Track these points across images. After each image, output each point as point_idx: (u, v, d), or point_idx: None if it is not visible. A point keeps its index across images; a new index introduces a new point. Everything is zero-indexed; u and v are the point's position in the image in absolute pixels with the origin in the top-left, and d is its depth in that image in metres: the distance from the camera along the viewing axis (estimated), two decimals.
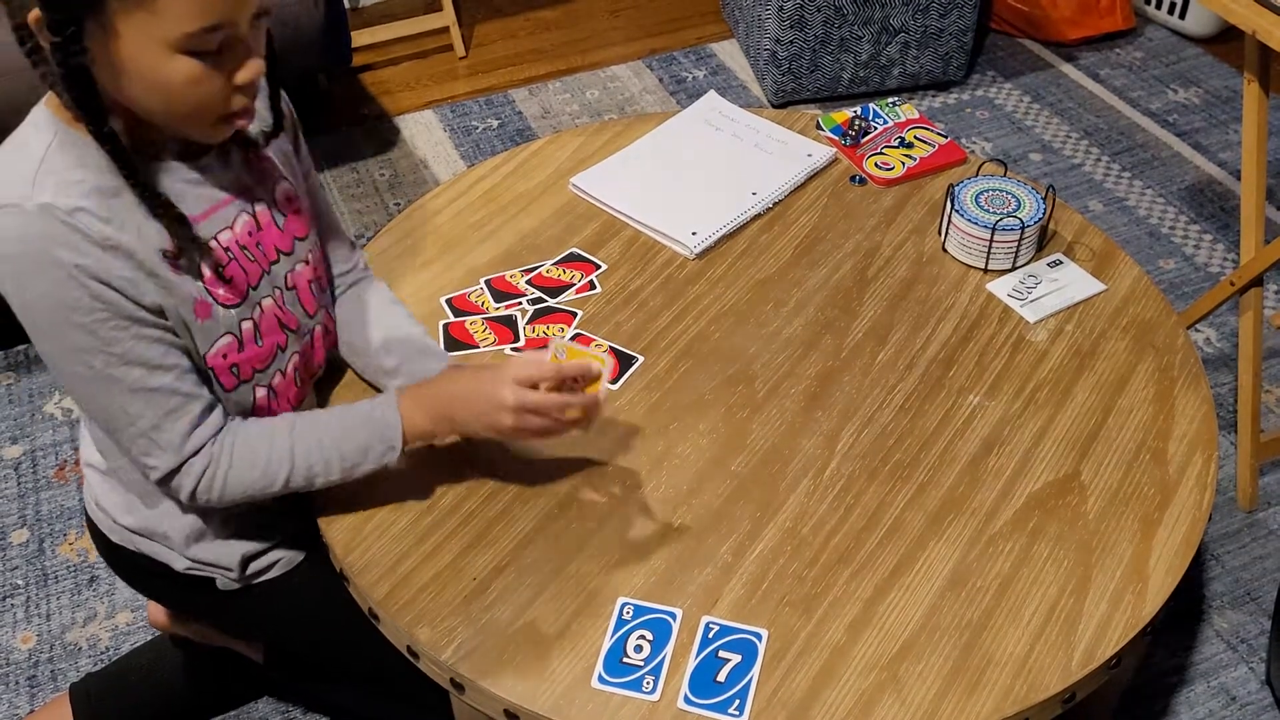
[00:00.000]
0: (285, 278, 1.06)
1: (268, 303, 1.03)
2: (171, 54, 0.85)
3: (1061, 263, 1.37)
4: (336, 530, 1.08)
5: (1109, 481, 1.13)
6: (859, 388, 1.22)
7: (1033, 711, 0.96)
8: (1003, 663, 0.98)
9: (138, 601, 1.60)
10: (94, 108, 0.86)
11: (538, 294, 1.33)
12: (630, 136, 1.56)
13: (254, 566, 1.13)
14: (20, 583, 1.63)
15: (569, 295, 1.33)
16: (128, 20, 0.83)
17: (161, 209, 0.92)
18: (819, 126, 1.58)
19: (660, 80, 2.63)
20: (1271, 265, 1.59)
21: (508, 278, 1.35)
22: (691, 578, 1.04)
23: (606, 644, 0.99)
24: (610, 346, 1.26)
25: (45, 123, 0.91)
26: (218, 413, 1.00)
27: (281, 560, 1.15)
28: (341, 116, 2.55)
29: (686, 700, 0.95)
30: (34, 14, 0.83)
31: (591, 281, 1.35)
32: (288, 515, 1.13)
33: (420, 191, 2.30)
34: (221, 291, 0.98)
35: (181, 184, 0.96)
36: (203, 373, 0.99)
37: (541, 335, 1.27)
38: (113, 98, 0.88)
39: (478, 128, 2.50)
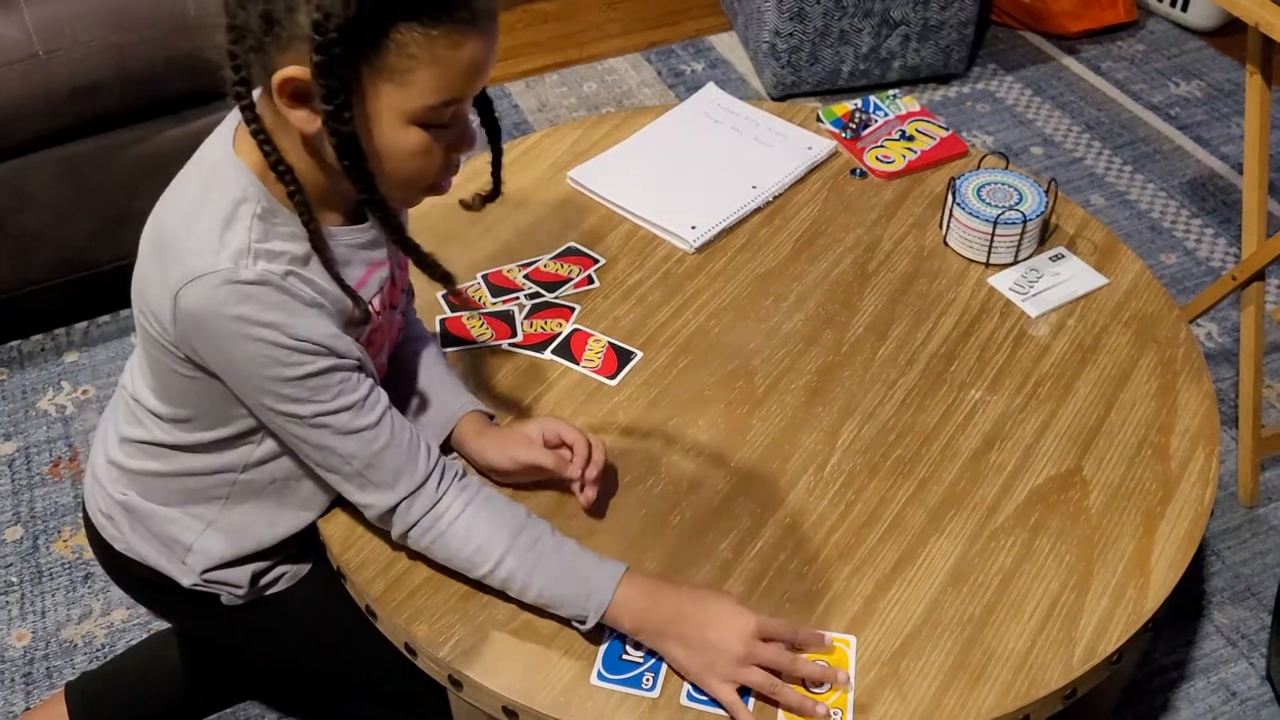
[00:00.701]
0: (392, 328, 1.08)
1: (381, 358, 1.06)
2: (407, 125, 0.87)
3: (1063, 257, 1.36)
4: (334, 527, 1.08)
5: (1111, 476, 1.12)
6: (860, 383, 1.21)
7: (1034, 707, 0.96)
8: (1004, 658, 0.97)
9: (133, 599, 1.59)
10: (364, 174, 0.86)
11: (535, 289, 1.32)
12: (629, 129, 1.55)
13: (262, 581, 1.12)
14: (14, 580, 1.62)
15: (566, 290, 1.32)
16: (378, 90, 0.84)
17: (342, 285, 0.93)
18: (819, 119, 1.57)
19: (659, 73, 2.62)
20: (1273, 260, 1.58)
21: (505, 272, 1.34)
22: (691, 574, 1.03)
23: (606, 641, 0.98)
24: (609, 342, 1.25)
25: (247, 185, 0.90)
26: (425, 450, 0.99)
27: (288, 574, 1.13)
28: None
29: (689, 697, 0.94)
30: (286, 74, 0.83)
31: (590, 276, 1.34)
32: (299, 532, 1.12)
33: None
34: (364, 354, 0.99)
35: (345, 249, 0.96)
36: None
37: (540, 331, 1.27)
38: (302, 161, 0.90)
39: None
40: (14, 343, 1.97)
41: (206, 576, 1.09)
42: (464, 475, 1.02)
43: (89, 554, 1.65)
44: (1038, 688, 0.96)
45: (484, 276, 1.33)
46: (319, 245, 0.91)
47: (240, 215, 0.89)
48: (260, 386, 0.92)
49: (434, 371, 1.14)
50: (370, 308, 0.98)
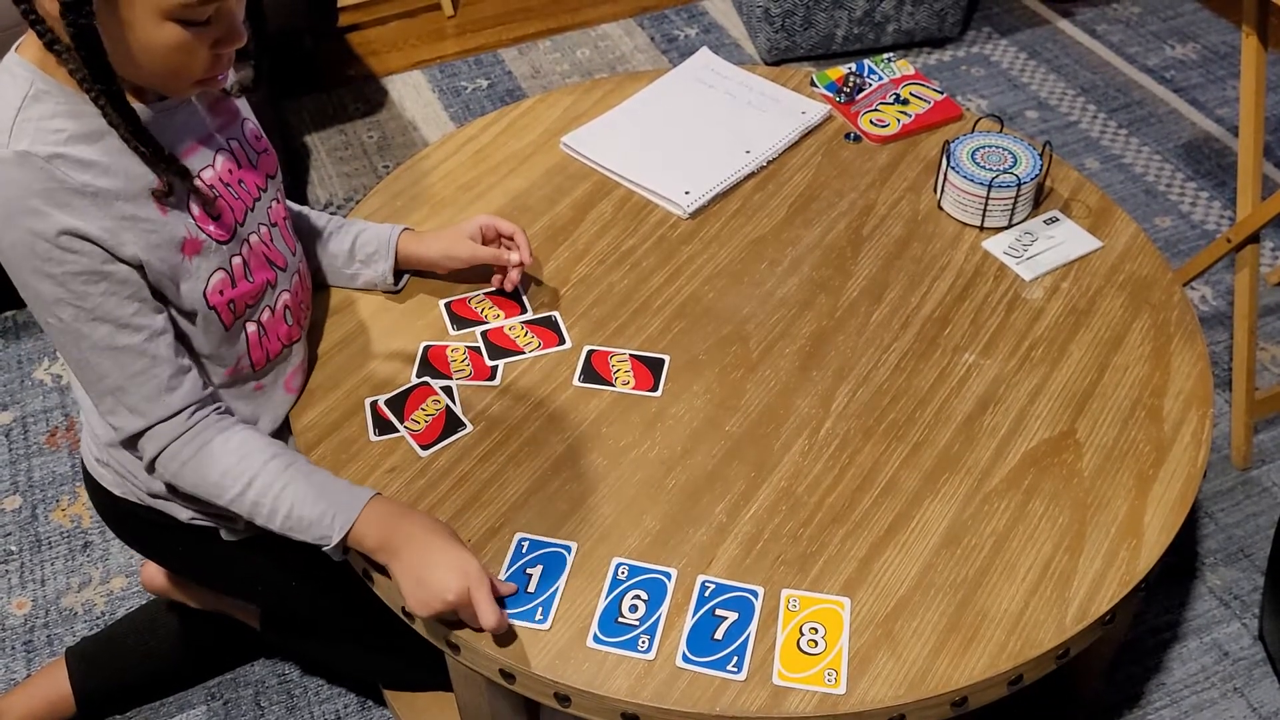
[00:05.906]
0: (268, 214, 1.08)
1: (255, 239, 1.05)
2: (161, 21, 0.87)
3: (1058, 220, 1.36)
4: None
5: (1104, 439, 1.12)
6: (854, 347, 1.21)
7: (1027, 667, 0.97)
8: (997, 619, 0.98)
9: (132, 567, 1.60)
10: (102, 67, 0.87)
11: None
12: (622, 94, 1.55)
13: None
14: (14, 549, 1.63)
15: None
16: None
17: (150, 148, 0.92)
18: (813, 83, 1.56)
19: (652, 39, 2.60)
20: (1268, 222, 1.58)
21: (470, 304, 1.25)
22: (686, 538, 1.04)
23: (601, 604, 0.99)
24: (630, 355, 1.25)
25: (20, 72, 0.91)
26: (191, 382, 1.00)
27: None
28: (328, 78, 2.52)
29: (685, 659, 0.95)
30: None
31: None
32: None
33: (410, 154, 2.27)
34: (212, 228, 1.00)
35: (154, 126, 0.97)
36: (203, 317, 1.00)
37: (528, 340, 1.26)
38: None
39: (467, 88, 2.47)
40: (9, 313, 1.97)
41: (198, 507, 1.11)
42: (225, 412, 1.03)
43: (88, 522, 1.66)
44: (1031, 648, 0.96)
45: (447, 305, 1.25)
46: (112, 120, 0.90)
47: (9, 99, 0.90)
48: (24, 282, 0.92)
49: (355, 226, 1.24)
50: (201, 178, 0.99)
